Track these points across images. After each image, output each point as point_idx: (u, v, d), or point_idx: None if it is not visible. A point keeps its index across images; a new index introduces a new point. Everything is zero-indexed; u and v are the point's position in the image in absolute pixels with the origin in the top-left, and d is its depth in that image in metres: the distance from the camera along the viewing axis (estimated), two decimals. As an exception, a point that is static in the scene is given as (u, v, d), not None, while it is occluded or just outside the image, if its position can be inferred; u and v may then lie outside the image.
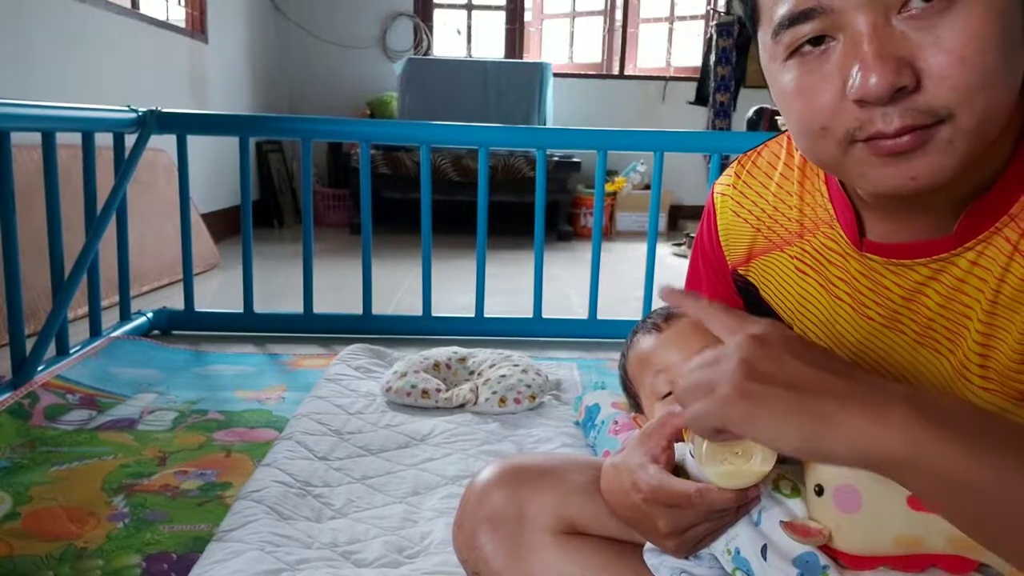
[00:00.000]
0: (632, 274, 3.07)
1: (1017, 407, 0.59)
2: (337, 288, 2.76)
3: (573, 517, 0.76)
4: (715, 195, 0.82)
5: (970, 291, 0.59)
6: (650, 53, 5.52)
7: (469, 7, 5.37)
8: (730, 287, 0.81)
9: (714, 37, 4.34)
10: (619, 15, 5.39)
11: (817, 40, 0.53)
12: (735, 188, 0.80)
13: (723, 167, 1.78)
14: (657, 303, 0.78)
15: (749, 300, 0.79)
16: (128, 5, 3.20)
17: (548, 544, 0.77)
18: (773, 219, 0.75)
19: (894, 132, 0.51)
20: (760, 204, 0.77)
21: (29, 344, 1.78)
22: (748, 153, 0.81)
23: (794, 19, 0.53)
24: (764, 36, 0.58)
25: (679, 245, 4.25)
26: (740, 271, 0.79)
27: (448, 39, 5.42)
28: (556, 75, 4.95)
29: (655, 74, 5.41)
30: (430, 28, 5.26)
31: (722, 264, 0.81)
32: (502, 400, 1.61)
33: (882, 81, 0.49)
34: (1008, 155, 0.57)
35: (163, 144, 2.63)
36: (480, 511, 0.80)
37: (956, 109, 0.50)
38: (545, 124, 4.59)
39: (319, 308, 2.32)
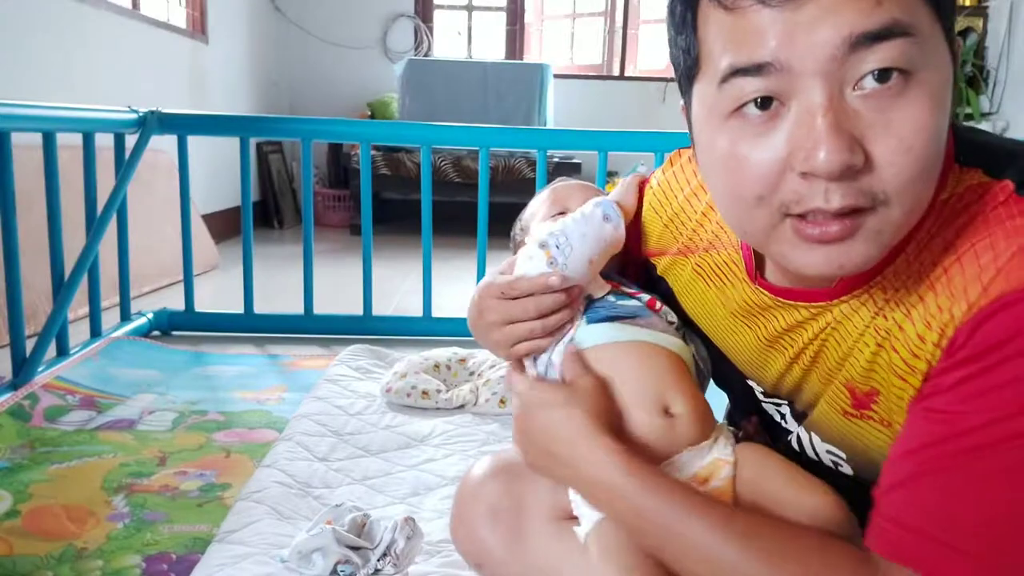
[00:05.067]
0: (632, 275, 3.06)
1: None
2: (337, 289, 2.76)
3: (568, 504, 0.79)
4: (648, 183, 0.86)
5: (841, 330, 0.64)
6: (651, 54, 5.52)
7: (469, 8, 5.37)
8: (638, 268, 0.86)
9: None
10: (619, 16, 5.39)
11: (763, 103, 0.52)
12: (658, 184, 0.83)
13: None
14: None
15: (664, 295, 0.83)
16: (129, 6, 3.20)
17: (547, 532, 0.80)
18: (675, 225, 0.80)
19: (834, 211, 0.51)
20: (672, 206, 0.80)
21: (29, 345, 1.78)
22: (683, 151, 0.82)
23: (745, 71, 0.51)
24: (705, 87, 0.55)
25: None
26: (654, 262, 0.83)
27: (448, 40, 5.42)
28: (556, 76, 4.95)
29: (656, 75, 5.41)
30: (430, 29, 5.26)
31: (637, 246, 0.85)
32: (502, 401, 1.61)
33: (835, 157, 0.48)
34: None
35: (163, 145, 2.63)
36: (478, 505, 0.83)
37: (893, 197, 0.50)
38: (545, 125, 4.59)
39: (319, 309, 2.32)
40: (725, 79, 0.52)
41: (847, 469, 0.72)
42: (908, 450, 0.55)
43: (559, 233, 0.74)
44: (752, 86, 0.51)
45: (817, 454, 0.74)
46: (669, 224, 0.80)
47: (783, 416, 0.78)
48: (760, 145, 0.52)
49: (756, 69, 0.50)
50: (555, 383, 0.73)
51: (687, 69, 0.57)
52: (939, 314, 0.55)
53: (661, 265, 0.82)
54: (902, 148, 0.49)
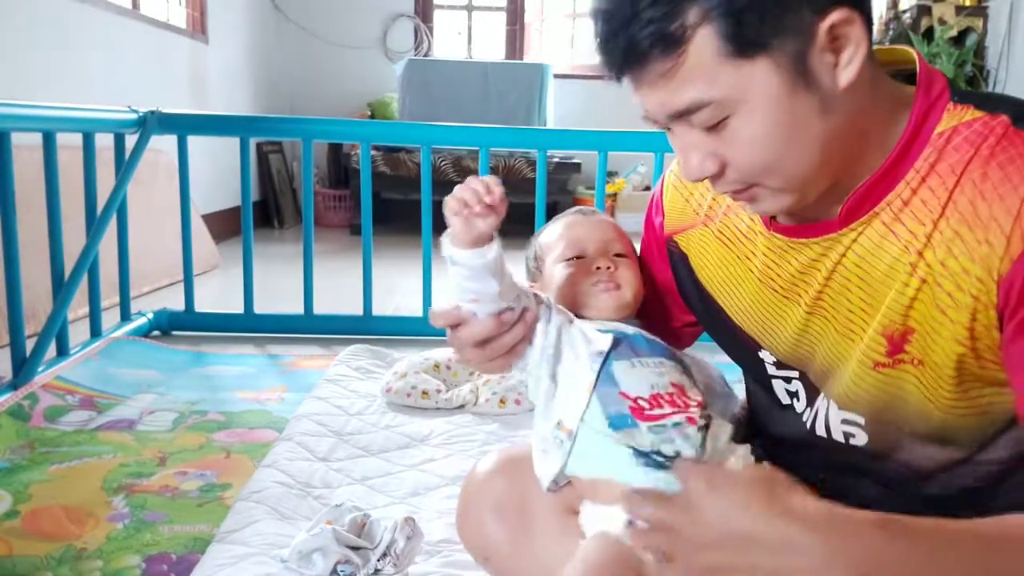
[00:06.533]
0: (632, 275, 3.06)
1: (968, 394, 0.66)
2: (337, 289, 2.76)
3: (572, 498, 0.81)
4: (669, 170, 0.91)
5: (849, 265, 0.68)
6: (650, 54, 5.52)
7: (469, 8, 5.37)
8: (663, 256, 0.89)
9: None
10: (619, 16, 5.38)
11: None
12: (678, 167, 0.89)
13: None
14: None
15: (683, 268, 0.86)
16: (129, 6, 3.20)
17: (553, 525, 0.82)
18: (695, 197, 0.84)
19: (729, 195, 0.68)
20: (691, 184, 0.85)
21: (29, 345, 1.78)
22: None
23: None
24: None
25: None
26: (676, 238, 0.86)
27: (448, 40, 5.42)
28: (556, 76, 4.94)
29: (655, 75, 5.40)
30: (430, 29, 5.26)
31: (660, 232, 0.89)
32: (502, 401, 1.61)
33: (689, 174, 0.67)
34: (886, 154, 0.65)
35: (163, 145, 2.63)
36: (485, 501, 0.85)
37: (762, 180, 0.64)
38: (545, 125, 4.59)
39: (319, 309, 2.31)
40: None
41: (861, 439, 0.72)
42: None
43: (463, 292, 0.75)
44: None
45: (829, 429, 0.74)
46: (690, 198, 0.84)
47: (794, 394, 0.78)
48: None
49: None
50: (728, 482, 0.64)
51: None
52: (978, 247, 0.60)
53: (684, 241, 0.85)
54: (742, 155, 0.63)
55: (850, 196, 0.67)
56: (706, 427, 0.73)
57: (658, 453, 0.71)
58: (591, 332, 0.78)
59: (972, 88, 3.73)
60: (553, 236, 0.91)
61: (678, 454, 0.71)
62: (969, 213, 0.61)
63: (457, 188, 0.72)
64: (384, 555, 0.99)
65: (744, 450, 0.75)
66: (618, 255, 0.87)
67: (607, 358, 0.75)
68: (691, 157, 0.64)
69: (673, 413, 0.73)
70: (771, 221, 0.74)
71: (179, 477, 1.32)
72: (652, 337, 0.81)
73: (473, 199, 0.71)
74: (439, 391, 1.66)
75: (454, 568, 1.02)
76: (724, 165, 0.64)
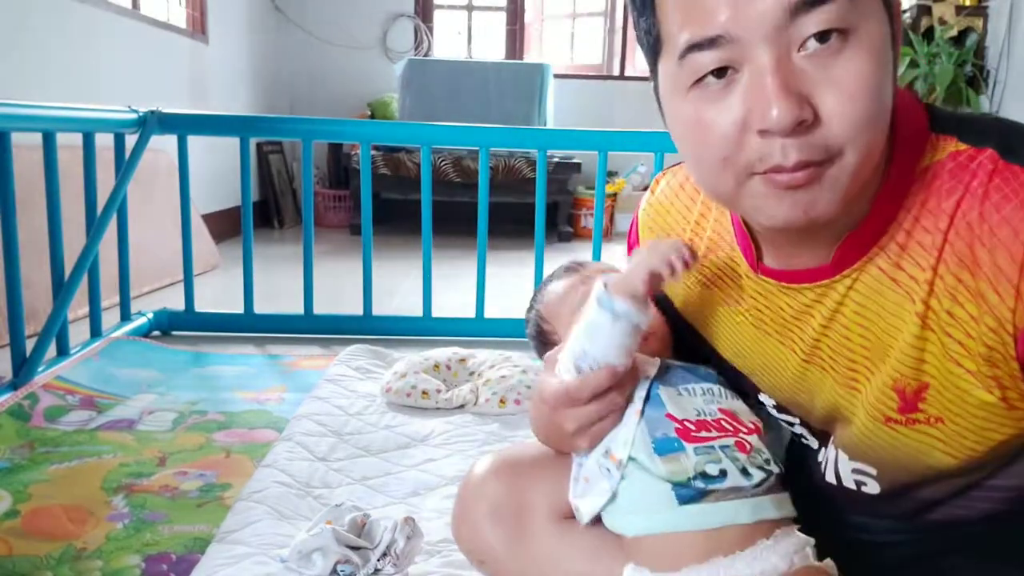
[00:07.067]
0: (632, 275, 3.06)
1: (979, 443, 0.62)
2: (337, 289, 2.76)
3: (568, 502, 0.80)
4: (640, 207, 0.87)
5: (848, 314, 0.64)
6: (650, 54, 5.52)
7: (469, 8, 5.37)
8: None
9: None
10: (619, 16, 5.39)
11: (720, 73, 0.56)
12: (650, 204, 0.85)
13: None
14: None
15: (669, 311, 0.83)
16: (129, 6, 3.20)
17: (549, 530, 0.81)
18: (677, 236, 0.80)
19: (792, 166, 0.55)
20: (666, 220, 0.82)
21: (29, 345, 1.78)
22: (673, 167, 0.85)
23: (700, 45, 0.55)
24: (667, 65, 0.60)
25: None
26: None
27: (448, 40, 5.42)
28: (556, 76, 4.95)
29: (655, 75, 5.41)
30: (430, 29, 5.26)
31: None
32: (502, 401, 1.61)
33: (785, 114, 0.53)
34: (874, 194, 0.61)
35: (163, 145, 2.63)
36: (481, 504, 0.84)
37: (846, 145, 0.55)
38: (545, 125, 4.58)
39: (319, 309, 2.31)
40: (683, 55, 0.56)
41: (872, 488, 0.70)
42: None
43: (584, 355, 0.71)
44: (708, 58, 0.55)
45: (839, 477, 0.72)
46: (667, 236, 0.82)
47: (802, 436, 0.77)
48: (720, 110, 0.56)
49: (710, 43, 0.55)
50: None
51: (651, 48, 0.61)
52: (985, 296, 0.57)
53: (668, 288, 0.83)
54: (846, 98, 0.54)
55: (844, 239, 0.63)
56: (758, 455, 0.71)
57: (703, 475, 0.68)
58: (639, 357, 0.75)
59: (972, 89, 3.73)
60: (558, 301, 0.92)
61: (724, 473, 0.68)
62: (968, 259, 0.57)
63: (667, 246, 0.70)
64: (384, 555, 0.99)
65: (811, 548, 0.70)
66: None
67: (652, 384, 0.74)
68: (788, 96, 0.53)
69: (720, 436, 0.71)
70: (758, 263, 0.70)
71: (179, 477, 1.32)
72: (698, 367, 0.79)
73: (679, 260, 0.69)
74: (439, 391, 1.66)
75: (454, 568, 1.03)
76: (817, 113, 0.54)
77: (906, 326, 0.61)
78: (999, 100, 3.68)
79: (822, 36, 0.53)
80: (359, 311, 2.31)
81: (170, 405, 1.67)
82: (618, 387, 0.71)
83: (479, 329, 2.31)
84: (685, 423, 0.71)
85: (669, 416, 0.71)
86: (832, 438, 0.72)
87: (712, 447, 0.70)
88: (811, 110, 0.54)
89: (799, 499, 0.73)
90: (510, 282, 3.01)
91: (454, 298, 2.74)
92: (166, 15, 3.60)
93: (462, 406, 1.64)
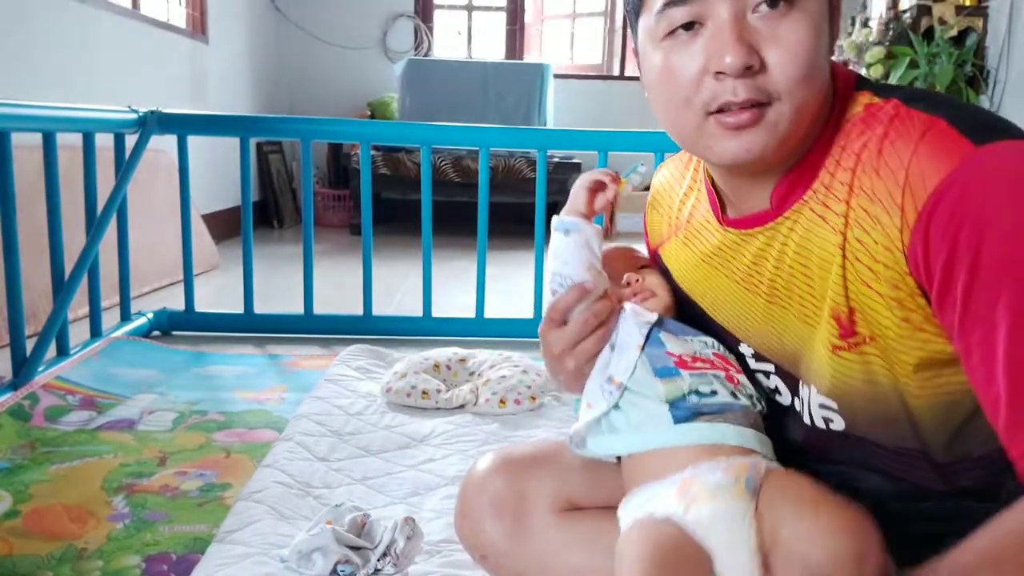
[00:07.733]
0: (632, 275, 3.06)
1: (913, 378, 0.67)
2: (337, 289, 2.76)
3: (569, 494, 0.85)
4: (647, 197, 0.97)
5: (791, 254, 0.73)
6: (650, 54, 5.52)
7: (469, 8, 5.37)
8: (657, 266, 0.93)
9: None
10: (619, 16, 5.39)
11: (688, 26, 0.67)
12: (653, 187, 0.95)
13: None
14: None
15: (672, 281, 0.89)
16: (129, 6, 3.20)
17: (549, 523, 0.84)
18: (665, 208, 0.90)
19: (740, 102, 0.66)
20: (661, 194, 0.92)
21: (29, 345, 1.78)
22: (679, 153, 0.93)
23: (675, 2, 0.67)
24: (646, 19, 0.71)
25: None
26: (660, 252, 0.91)
27: (448, 40, 5.42)
28: (556, 76, 4.95)
29: (655, 75, 5.41)
30: (430, 29, 5.26)
31: (651, 251, 0.95)
32: (502, 401, 1.61)
33: (737, 59, 0.64)
34: (811, 145, 0.71)
35: (163, 145, 2.63)
36: (482, 499, 0.86)
37: (784, 94, 0.66)
38: (545, 125, 4.58)
39: (319, 309, 2.32)
40: (661, 10, 0.69)
41: (839, 424, 0.74)
42: (990, 377, 0.60)
43: (555, 276, 0.82)
44: (680, 13, 0.68)
45: (812, 417, 0.76)
46: (664, 211, 0.90)
47: (774, 390, 0.80)
48: (686, 55, 0.68)
49: (682, 1, 0.67)
50: None
51: (635, 8, 0.73)
52: (880, 220, 0.66)
53: (664, 253, 0.89)
54: (787, 54, 0.65)
55: (779, 181, 0.72)
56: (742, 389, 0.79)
57: (696, 392, 0.75)
58: (640, 309, 0.82)
59: (972, 89, 3.74)
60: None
61: (715, 392, 0.76)
62: (868, 189, 0.66)
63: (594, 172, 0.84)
64: (384, 555, 0.99)
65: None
66: (643, 267, 0.90)
67: (652, 328, 0.80)
68: (740, 45, 0.65)
69: (714, 369, 0.79)
70: (723, 217, 0.79)
71: (179, 477, 1.32)
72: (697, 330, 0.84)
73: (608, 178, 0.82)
74: (439, 391, 1.66)
75: (454, 568, 1.03)
76: (763, 63, 0.66)
77: (834, 259, 0.69)
78: (999, 100, 3.68)
79: (773, 2, 0.65)
80: (359, 311, 2.31)
81: (170, 405, 1.67)
82: (596, 310, 0.79)
83: (479, 329, 2.31)
84: (682, 357, 0.78)
85: (668, 353, 0.78)
86: (801, 381, 0.77)
87: (705, 374, 0.78)
88: (759, 59, 0.65)
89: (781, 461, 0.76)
90: (510, 282, 3.01)
91: (454, 298, 2.74)
92: (166, 15, 3.60)
93: (462, 406, 1.64)
